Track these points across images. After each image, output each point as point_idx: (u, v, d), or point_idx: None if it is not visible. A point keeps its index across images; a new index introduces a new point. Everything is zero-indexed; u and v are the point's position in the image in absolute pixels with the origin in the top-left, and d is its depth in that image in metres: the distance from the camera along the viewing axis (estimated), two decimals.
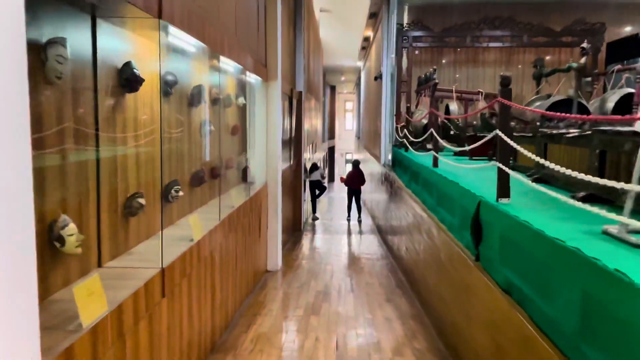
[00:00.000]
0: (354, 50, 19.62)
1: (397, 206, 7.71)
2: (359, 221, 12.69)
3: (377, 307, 5.30)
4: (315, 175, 13.01)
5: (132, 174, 3.12)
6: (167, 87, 3.67)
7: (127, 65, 2.97)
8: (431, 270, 4.82)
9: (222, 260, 4.27)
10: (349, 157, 33.61)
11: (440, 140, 5.40)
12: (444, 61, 11.60)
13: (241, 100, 6.20)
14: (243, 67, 5.10)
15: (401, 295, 5.72)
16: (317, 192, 13.05)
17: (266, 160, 6.78)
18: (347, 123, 37.27)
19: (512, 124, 5.70)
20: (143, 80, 3.01)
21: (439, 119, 6.14)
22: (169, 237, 3.49)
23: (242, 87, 6.30)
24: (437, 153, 5.49)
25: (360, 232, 10.93)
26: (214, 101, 5.03)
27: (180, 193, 3.75)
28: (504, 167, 3.07)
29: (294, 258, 7.89)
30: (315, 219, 12.71)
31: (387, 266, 7.34)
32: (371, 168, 13.74)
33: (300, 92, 10.68)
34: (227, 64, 4.98)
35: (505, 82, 3.09)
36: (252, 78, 6.29)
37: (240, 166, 6.31)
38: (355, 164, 13.18)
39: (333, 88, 32.94)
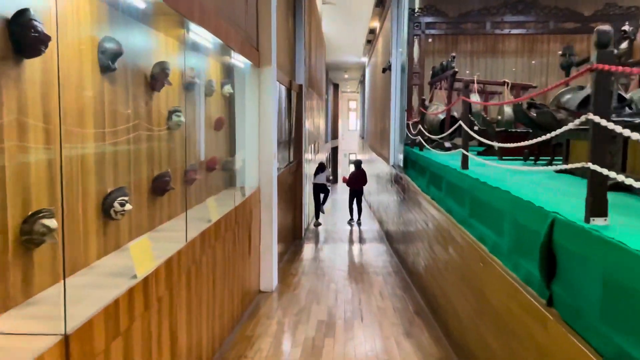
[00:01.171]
0: (358, 45, 18.57)
1: (412, 213, 6.65)
2: (359, 223, 11.96)
3: (394, 345, 4.24)
4: (321, 178, 11.93)
5: (37, 184, 2.08)
6: (107, 59, 2.62)
7: (22, 15, 1.93)
8: (465, 300, 3.76)
9: (191, 293, 3.22)
10: (352, 157, 32.55)
11: (475, 135, 4.33)
12: (454, 53, 10.50)
13: (227, 88, 5.16)
14: (226, 44, 4.05)
15: (422, 326, 4.65)
16: (322, 195, 11.98)
17: (259, 161, 5.74)
18: (351, 123, 36.31)
19: (560, 115, 4.65)
20: (48, 38, 1.97)
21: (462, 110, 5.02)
22: (101, 272, 2.45)
23: (229, 73, 5.26)
24: (467, 151, 4.43)
25: (361, 237, 9.87)
26: (188, 86, 3.99)
27: (128, 206, 2.71)
28: (602, 171, 2.01)
29: (293, 273, 6.84)
30: (317, 224, 11.65)
31: (400, 284, 6.28)
32: (378, 169, 12.67)
33: (301, 86, 9.64)
34: (205, 38, 3.94)
35: (603, 40, 2.03)
36: (240, 62, 5.25)
37: (226, 168, 5.27)
38: (357, 164, 12.41)
39: (336, 86, 31.93)
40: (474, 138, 4.81)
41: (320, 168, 12.04)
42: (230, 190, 5.12)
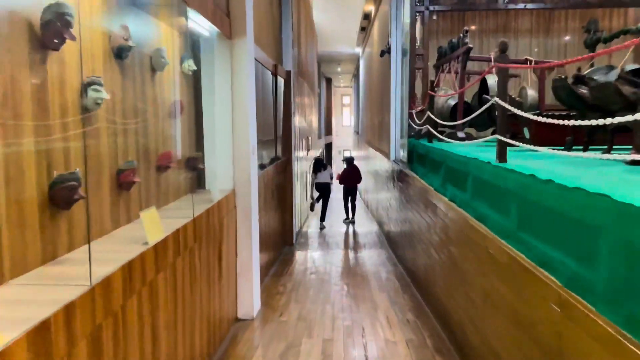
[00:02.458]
0: (351, 34, 17.44)
1: (421, 217, 5.53)
2: (353, 222, 11.30)
3: None
4: (324, 177, 10.88)
5: None
6: None
7: None
8: (520, 353, 2.64)
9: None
10: (347, 154, 31.44)
11: (521, 113, 3.17)
12: (466, 27, 9.39)
13: (189, 63, 4.02)
14: None
15: None
16: (320, 197, 10.96)
17: (233, 157, 4.59)
18: (345, 119, 35.32)
19: (627, 89, 3.53)
20: None
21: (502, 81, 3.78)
22: None
23: (190, 43, 4.12)
24: (505, 136, 3.29)
25: (360, 242, 8.73)
26: (120, 51, 2.83)
27: None
28: None
29: (281, 291, 5.71)
30: (322, 227, 10.67)
31: (411, 304, 5.16)
32: (376, 166, 11.55)
33: (289, 72, 8.50)
34: None
35: None
36: (205, 29, 4.10)
37: (190, 166, 4.13)
38: (350, 160, 11.58)
39: (329, 81, 30.82)
40: (511, 120, 3.72)
41: (322, 165, 10.97)
42: (195, 196, 3.97)
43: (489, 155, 3.80)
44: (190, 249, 3.18)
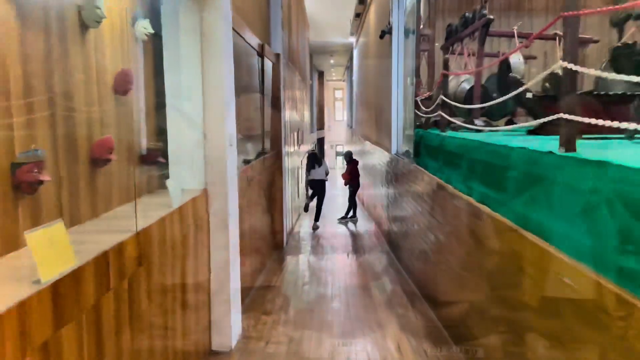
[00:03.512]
0: (345, 22, 16.48)
1: (437, 221, 4.62)
2: (354, 221, 10.46)
3: None
4: (319, 173, 9.89)
5: None
6: None
7: None
8: None
9: None
10: (339, 149, 30.51)
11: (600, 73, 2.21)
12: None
13: (144, 25, 3.07)
14: None
15: None
16: (314, 195, 10.01)
17: (205, 149, 3.63)
18: (337, 113, 34.47)
19: None
20: None
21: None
22: None
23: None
24: (573, 114, 2.35)
25: (358, 245, 7.81)
26: None
27: None
28: None
29: (268, 309, 4.77)
30: (316, 227, 9.66)
31: (426, 329, 4.25)
32: (374, 160, 10.61)
33: (278, 55, 7.53)
34: None
35: None
36: None
37: (149, 159, 3.17)
38: (349, 156, 10.91)
39: (321, 74, 29.89)
40: (549, 104, 2.78)
41: (316, 160, 9.96)
42: (152, 199, 3.02)
43: (529, 144, 2.90)
44: (132, 277, 2.23)
